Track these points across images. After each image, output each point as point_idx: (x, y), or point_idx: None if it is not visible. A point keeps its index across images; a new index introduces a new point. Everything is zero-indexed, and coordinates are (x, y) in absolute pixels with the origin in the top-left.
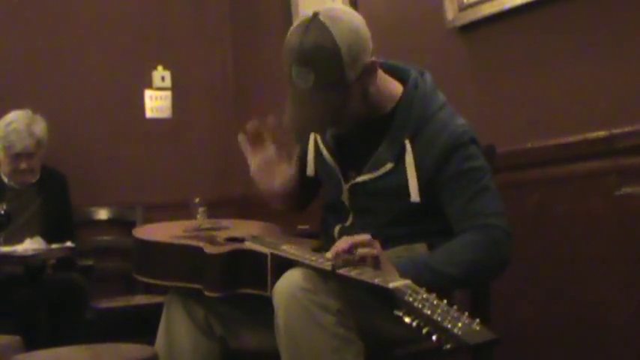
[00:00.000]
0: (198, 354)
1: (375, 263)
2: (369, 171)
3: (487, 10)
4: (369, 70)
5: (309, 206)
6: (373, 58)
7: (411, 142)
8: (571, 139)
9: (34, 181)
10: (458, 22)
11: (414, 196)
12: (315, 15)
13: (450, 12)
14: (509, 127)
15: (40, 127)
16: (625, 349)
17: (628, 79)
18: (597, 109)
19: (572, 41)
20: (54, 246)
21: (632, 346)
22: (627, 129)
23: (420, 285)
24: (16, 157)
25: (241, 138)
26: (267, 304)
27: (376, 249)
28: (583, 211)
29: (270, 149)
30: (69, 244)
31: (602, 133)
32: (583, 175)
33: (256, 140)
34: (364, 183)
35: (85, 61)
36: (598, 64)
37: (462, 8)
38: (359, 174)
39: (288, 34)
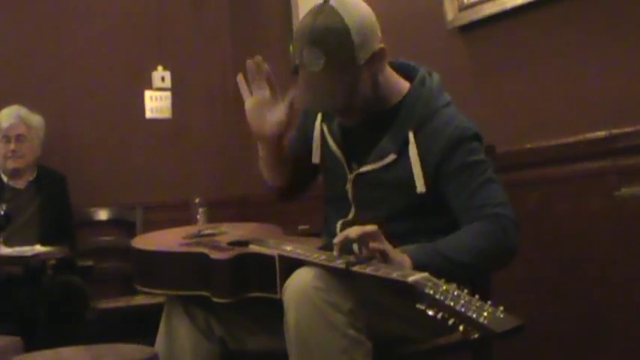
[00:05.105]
0: (198, 355)
1: (384, 257)
2: (373, 161)
3: (487, 10)
4: (379, 56)
5: (299, 192)
6: (382, 45)
7: (415, 135)
8: (571, 139)
9: (22, 166)
10: (458, 22)
11: (420, 186)
12: (326, 1)
13: (450, 12)
14: (509, 127)
15: (34, 118)
16: (625, 349)
17: (628, 79)
18: (597, 109)
19: (572, 41)
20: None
21: (633, 346)
22: (627, 129)
23: (431, 271)
24: (6, 139)
25: (240, 78)
26: (267, 306)
27: (383, 242)
28: (583, 211)
29: (266, 91)
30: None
31: (602, 133)
32: (583, 175)
33: (254, 79)
34: (367, 174)
35: (85, 61)
36: (598, 64)
37: (462, 8)
38: (362, 165)
39: (300, 20)
